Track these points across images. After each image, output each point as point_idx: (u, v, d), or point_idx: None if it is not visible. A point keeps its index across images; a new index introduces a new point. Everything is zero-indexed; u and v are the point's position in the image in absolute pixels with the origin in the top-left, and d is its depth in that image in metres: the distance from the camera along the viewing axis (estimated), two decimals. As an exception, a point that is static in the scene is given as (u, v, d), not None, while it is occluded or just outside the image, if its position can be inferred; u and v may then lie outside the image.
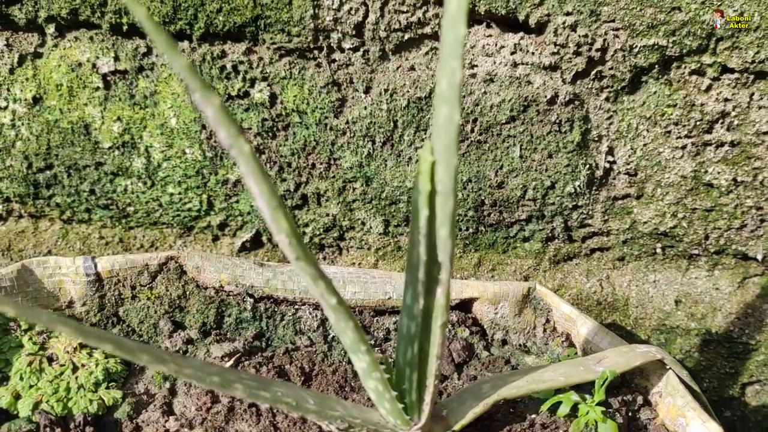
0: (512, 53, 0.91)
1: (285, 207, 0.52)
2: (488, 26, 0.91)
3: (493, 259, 1.09)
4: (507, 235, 1.06)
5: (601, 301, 1.10)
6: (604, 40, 0.88)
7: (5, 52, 0.96)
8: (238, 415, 0.74)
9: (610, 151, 0.97)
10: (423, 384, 0.64)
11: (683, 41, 0.86)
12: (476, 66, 0.93)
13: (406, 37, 0.91)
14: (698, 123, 0.92)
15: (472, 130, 0.97)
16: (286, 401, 0.57)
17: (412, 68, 0.94)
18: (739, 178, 0.95)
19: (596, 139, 0.96)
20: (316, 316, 0.93)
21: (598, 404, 0.74)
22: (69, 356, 0.77)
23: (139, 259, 0.90)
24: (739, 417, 1.11)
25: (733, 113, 0.91)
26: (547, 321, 0.96)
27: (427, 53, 0.93)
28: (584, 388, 0.77)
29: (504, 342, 0.96)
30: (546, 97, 0.93)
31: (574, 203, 1.01)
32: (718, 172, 0.95)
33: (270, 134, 1.00)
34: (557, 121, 0.95)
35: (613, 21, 0.87)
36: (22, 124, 1.01)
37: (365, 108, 0.96)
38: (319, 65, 0.94)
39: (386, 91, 0.95)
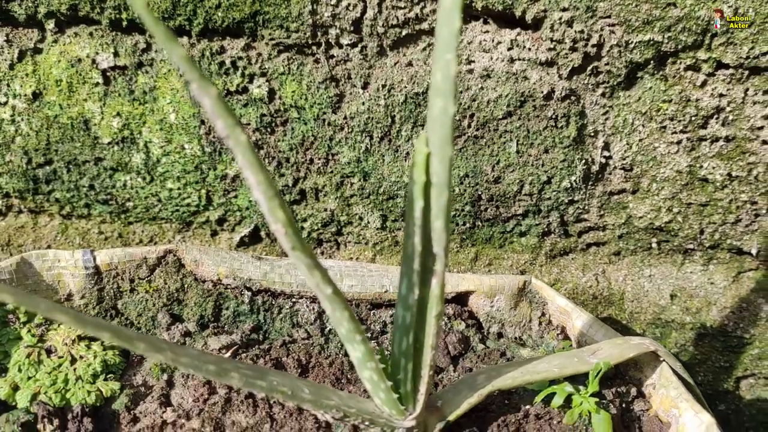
0: (509, 49, 0.92)
1: (281, 197, 0.52)
2: (485, 22, 0.92)
3: (490, 254, 1.09)
4: (504, 229, 1.07)
5: (597, 295, 1.10)
6: (600, 35, 0.89)
7: (5, 48, 0.96)
8: (235, 406, 0.75)
9: (606, 147, 0.98)
10: (418, 374, 0.65)
11: (678, 37, 0.87)
12: (473, 62, 0.93)
13: (404, 33, 0.92)
14: (693, 118, 0.93)
15: (469, 126, 0.97)
16: (282, 390, 0.58)
17: (410, 64, 0.94)
18: (733, 173, 0.96)
19: (592, 134, 0.97)
20: (314, 309, 0.94)
21: (592, 395, 0.74)
22: (67, 348, 0.78)
23: (137, 253, 0.91)
24: (733, 410, 1.12)
25: (728, 109, 0.91)
26: (543, 314, 0.97)
27: (424, 49, 0.93)
28: (578, 380, 0.77)
29: (500, 335, 0.97)
30: (542, 92, 0.93)
31: (570, 198, 1.02)
32: (713, 167, 0.96)
33: (268, 130, 1.00)
34: (553, 117, 0.95)
35: (609, 17, 0.87)
36: (22, 119, 1.02)
37: (363, 103, 0.97)
38: (317, 61, 0.95)
39: (384, 86, 0.95)
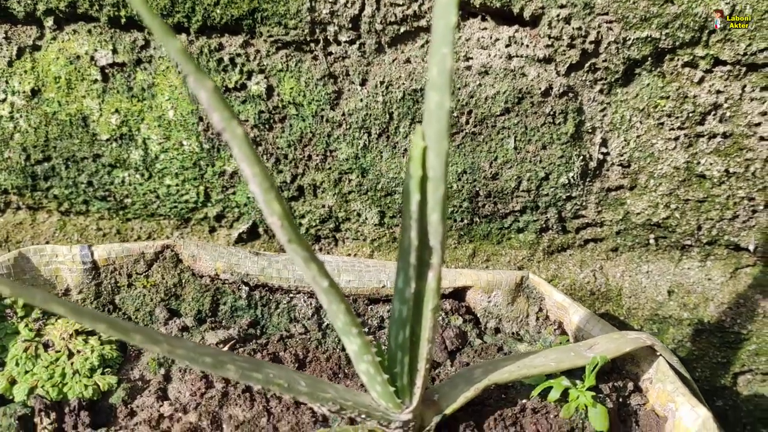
0: (507, 46, 0.92)
1: (277, 190, 0.52)
2: (483, 19, 0.92)
3: (488, 250, 1.10)
4: (501, 226, 1.07)
5: (595, 291, 1.10)
6: (598, 32, 0.89)
7: (4, 45, 0.96)
8: (232, 400, 0.75)
9: (604, 143, 0.98)
10: (414, 368, 0.65)
11: (676, 33, 0.87)
12: (471, 58, 0.93)
13: (402, 30, 0.92)
14: (691, 115, 0.93)
15: (467, 122, 0.97)
16: (278, 383, 0.58)
17: (408, 61, 0.95)
18: (731, 169, 0.96)
19: (590, 130, 0.97)
20: (311, 304, 0.94)
21: (589, 389, 0.75)
22: (65, 343, 0.78)
23: (135, 248, 0.91)
24: (731, 406, 1.12)
25: (726, 105, 0.91)
26: (540, 309, 0.97)
27: (422, 46, 0.94)
28: (575, 374, 0.78)
29: (497, 330, 0.97)
30: (540, 89, 0.94)
31: (568, 194, 1.02)
32: (711, 164, 0.96)
33: (267, 126, 1.00)
34: (551, 113, 0.95)
35: (607, 14, 0.87)
36: (21, 116, 1.02)
37: (361, 100, 0.97)
38: (315, 58, 0.95)
39: (382, 83, 0.95)
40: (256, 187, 0.51)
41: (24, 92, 1.00)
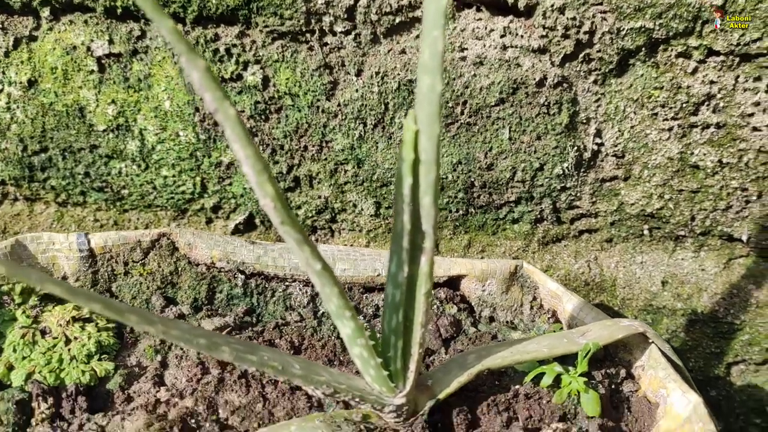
0: (501, 36, 0.92)
1: (270, 171, 0.53)
2: (478, 10, 0.92)
3: (483, 241, 1.10)
4: (496, 216, 1.07)
5: (589, 281, 1.11)
6: (592, 22, 0.89)
7: (0, 36, 0.97)
8: (228, 386, 0.76)
9: (598, 133, 0.98)
10: (408, 352, 0.65)
11: (669, 24, 0.88)
12: (466, 49, 0.94)
13: (397, 20, 0.92)
14: (684, 105, 0.93)
15: (462, 113, 0.98)
16: (272, 365, 0.59)
17: (403, 51, 0.95)
18: (724, 160, 0.96)
19: (584, 121, 0.97)
20: (306, 292, 0.95)
21: (581, 375, 0.75)
22: (62, 329, 0.79)
23: (131, 236, 0.92)
24: (724, 396, 1.13)
25: (719, 95, 0.92)
26: (534, 298, 0.97)
27: (417, 36, 0.94)
28: (568, 361, 0.78)
29: (491, 319, 0.97)
30: (535, 79, 0.94)
31: (563, 185, 1.03)
32: (704, 154, 0.97)
33: (263, 117, 1.01)
34: (546, 104, 0.96)
35: (601, 4, 0.88)
36: (17, 107, 1.02)
37: (357, 91, 0.97)
38: (311, 48, 0.95)
39: (377, 74, 0.96)
40: (249, 169, 0.51)
41: (21, 83, 1.00)
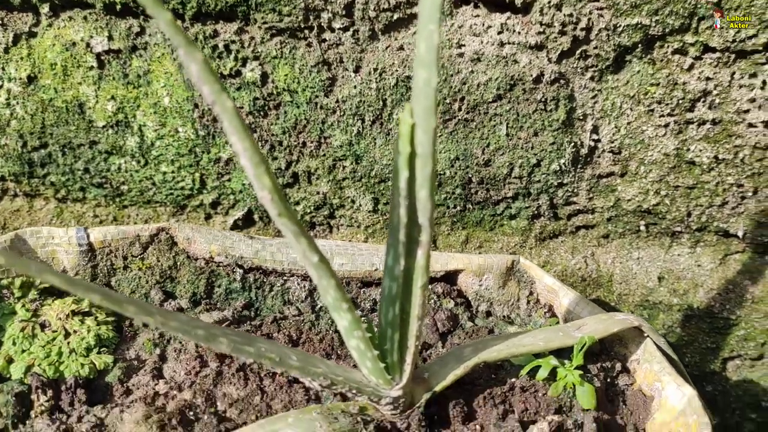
0: (499, 33, 0.93)
1: (267, 164, 0.53)
2: (476, 6, 0.93)
3: (481, 237, 1.11)
4: (494, 212, 1.08)
5: (586, 277, 1.12)
6: (589, 19, 0.90)
7: (0, 32, 0.97)
8: (226, 378, 0.76)
9: (595, 130, 0.99)
10: (404, 345, 0.66)
11: (666, 20, 0.88)
12: (464, 45, 0.94)
13: (395, 17, 0.93)
14: (680, 101, 0.94)
15: (460, 109, 0.98)
16: (270, 356, 0.59)
17: (401, 48, 0.95)
18: (720, 156, 0.97)
19: (581, 117, 0.98)
20: (305, 286, 0.95)
21: (577, 369, 0.76)
22: (61, 323, 0.79)
23: (130, 230, 0.92)
24: (720, 392, 1.13)
25: (715, 92, 0.92)
26: (531, 293, 0.98)
27: (415, 33, 0.94)
28: (564, 355, 0.79)
29: (488, 313, 0.98)
30: (532, 76, 0.95)
31: (560, 181, 1.03)
32: (700, 150, 0.97)
33: (261, 113, 1.01)
34: (543, 100, 0.96)
35: (598, 0, 0.88)
36: (17, 103, 1.03)
37: (355, 87, 0.98)
38: (309, 45, 0.96)
39: (375, 70, 0.96)
40: (247, 161, 0.52)
41: (20, 79, 1.01)
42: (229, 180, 1.08)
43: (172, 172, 1.08)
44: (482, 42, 0.94)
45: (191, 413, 0.72)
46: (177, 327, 0.54)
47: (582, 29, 0.90)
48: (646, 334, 0.81)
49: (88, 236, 0.90)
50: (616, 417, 0.76)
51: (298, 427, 0.65)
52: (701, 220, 1.04)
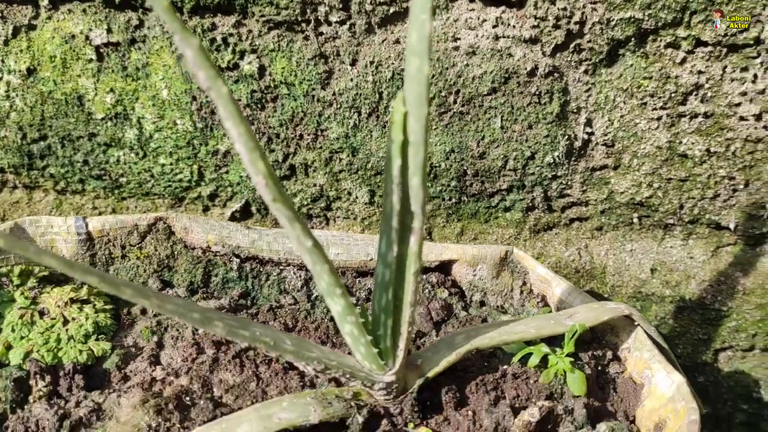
0: (494, 26, 0.94)
1: (262, 149, 0.54)
2: (471, 0, 0.94)
3: (475, 229, 1.12)
4: (489, 204, 1.09)
5: (580, 269, 1.13)
6: (583, 13, 0.91)
7: (0, 24, 0.98)
8: (223, 365, 0.77)
9: (589, 123, 1.00)
10: (397, 330, 0.67)
11: (658, 14, 0.89)
12: (459, 39, 0.95)
13: (392, 10, 0.94)
14: (673, 95, 0.95)
15: (455, 102, 0.99)
16: (264, 340, 0.60)
17: (397, 41, 0.96)
18: (712, 149, 0.98)
19: (575, 110, 0.99)
20: (301, 276, 0.96)
21: (568, 356, 0.77)
22: (60, 310, 0.80)
23: (128, 220, 0.93)
24: (712, 382, 1.14)
25: (707, 85, 0.93)
26: (524, 283, 0.99)
27: (411, 26, 0.95)
28: (555, 343, 0.80)
29: (482, 303, 0.99)
30: (526, 69, 0.96)
31: (554, 173, 1.04)
32: (692, 143, 0.98)
33: (259, 106, 1.02)
34: (537, 93, 0.97)
35: (591, -6, 0.89)
36: (17, 95, 1.04)
37: (351, 80, 0.99)
38: (306, 38, 0.97)
39: (372, 63, 0.97)
40: (242, 146, 0.53)
41: (20, 71, 1.02)
42: (227, 172, 1.09)
43: (171, 164, 1.09)
44: (477, 35, 0.95)
45: (188, 398, 0.73)
46: (173, 310, 0.55)
47: (576, 23, 0.91)
48: (636, 323, 0.82)
49: (86, 225, 0.91)
50: (607, 404, 0.77)
51: (293, 411, 0.66)
52: (693, 212, 1.05)
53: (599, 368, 0.80)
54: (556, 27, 0.92)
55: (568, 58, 0.95)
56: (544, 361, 0.77)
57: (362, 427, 0.68)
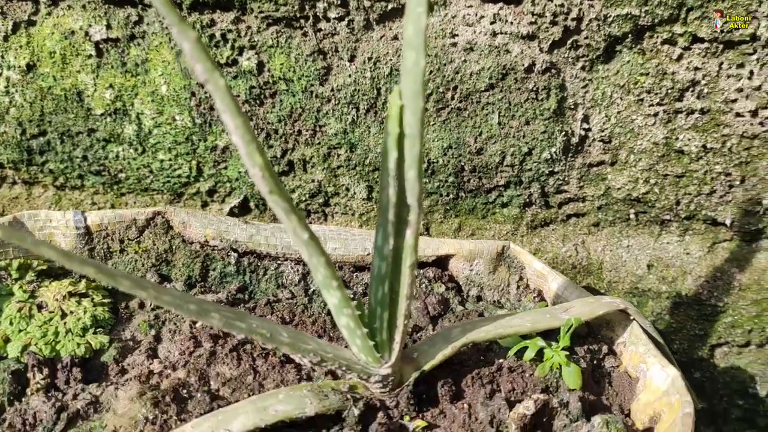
0: (492, 23, 0.94)
1: (258, 141, 0.55)
2: (468, -3, 0.94)
3: (473, 225, 1.12)
4: (486, 200, 1.09)
5: (577, 265, 1.13)
6: (580, 9, 0.91)
7: None
8: (220, 358, 0.78)
9: (586, 119, 1.00)
10: (393, 323, 0.67)
11: (655, 11, 0.89)
12: (457, 35, 0.96)
13: (390, 7, 0.94)
14: (670, 91, 0.95)
15: (453, 98, 1.00)
16: (261, 332, 0.61)
17: (395, 38, 0.97)
18: (708, 145, 0.98)
19: (572, 106, 0.99)
20: (298, 270, 0.97)
21: (563, 350, 0.77)
22: (58, 304, 0.81)
23: (127, 214, 0.94)
24: (708, 378, 1.15)
25: (703, 82, 0.94)
26: (521, 278, 0.99)
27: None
28: (551, 337, 0.80)
29: (479, 298, 1.00)
30: (524, 65, 0.96)
31: (551, 169, 1.05)
32: (689, 139, 0.99)
33: (257, 101, 1.03)
34: (534, 89, 0.98)
35: (588, -9, 0.90)
36: (16, 90, 1.04)
37: (350, 76, 0.99)
38: (305, 34, 0.97)
39: (370, 59, 0.98)
40: (238, 139, 0.53)
41: (19, 67, 1.02)
42: (225, 168, 1.09)
43: (170, 159, 1.09)
44: (475, 32, 0.95)
45: (185, 391, 0.74)
46: (170, 301, 0.56)
47: (573, 19, 0.92)
48: (632, 318, 0.82)
49: (85, 219, 0.92)
50: (602, 398, 0.78)
51: (289, 404, 0.67)
52: (690, 208, 1.05)
53: (595, 362, 0.81)
54: (554, 23, 0.92)
55: (565, 55, 0.95)
56: (539, 355, 0.78)
57: (358, 420, 0.68)
